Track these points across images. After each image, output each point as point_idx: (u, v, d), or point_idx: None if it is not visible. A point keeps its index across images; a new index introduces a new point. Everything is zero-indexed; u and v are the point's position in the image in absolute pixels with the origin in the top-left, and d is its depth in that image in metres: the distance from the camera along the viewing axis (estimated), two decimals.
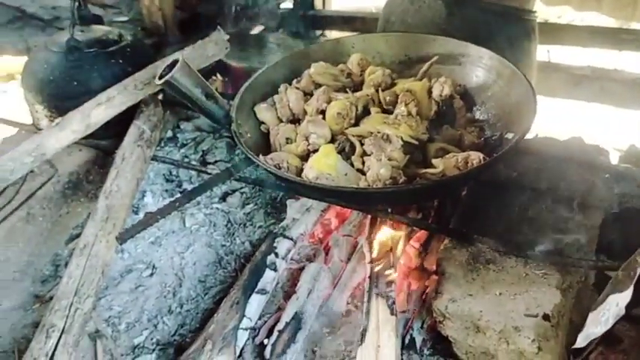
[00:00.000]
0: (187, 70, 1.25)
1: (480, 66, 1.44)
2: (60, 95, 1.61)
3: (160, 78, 1.25)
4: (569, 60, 2.94)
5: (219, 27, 1.79)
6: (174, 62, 1.25)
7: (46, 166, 1.62)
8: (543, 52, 2.75)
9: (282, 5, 3.12)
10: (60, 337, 1.18)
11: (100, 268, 1.30)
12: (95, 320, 1.34)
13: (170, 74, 1.22)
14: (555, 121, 2.90)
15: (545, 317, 1.04)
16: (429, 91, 1.36)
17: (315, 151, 1.26)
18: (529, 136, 1.25)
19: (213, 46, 1.75)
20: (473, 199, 1.36)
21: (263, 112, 1.42)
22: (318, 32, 3.19)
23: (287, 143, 1.33)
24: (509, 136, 1.25)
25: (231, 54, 1.94)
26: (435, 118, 1.35)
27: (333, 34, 3.19)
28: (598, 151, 1.54)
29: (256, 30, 2.90)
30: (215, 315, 1.30)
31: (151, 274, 1.48)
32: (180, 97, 1.27)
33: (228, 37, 1.77)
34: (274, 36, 2.72)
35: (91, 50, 1.63)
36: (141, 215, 1.57)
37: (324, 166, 1.19)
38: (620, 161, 1.94)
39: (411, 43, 1.56)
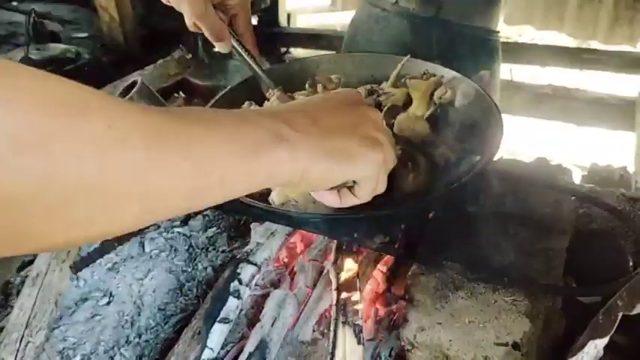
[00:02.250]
0: (147, 92, 1.21)
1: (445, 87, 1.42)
2: None
3: None
4: (531, 79, 2.99)
5: (181, 45, 1.75)
6: (133, 83, 1.20)
7: None
8: (506, 71, 2.79)
9: None
10: None
11: (53, 299, 1.24)
12: (48, 352, 1.28)
13: (128, 96, 1.18)
14: (518, 140, 2.94)
15: (515, 346, 1.02)
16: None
17: None
18: (494, 158, 1.24)
19: (175, 65, 1.71)
20: (440, 222, 1.33)
21: None
22: (283, 50, 3.18)
23: None
24: (476, 158, 1.24)
25: (194, 72, 1.90)
26: None
27: (297, 51, 3.19)
28: (562, 171, 1.55)
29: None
30: (175, 346, 1.24)
31: (108, 303, 1.42)
32: None
33: (190, 55, 1.73)
34: None
35: (47, 69, 1.57)
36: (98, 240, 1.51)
37: (292, 192, 1.15)
38: (583, 181, 1.96)
39: (377, 64, 1.54)
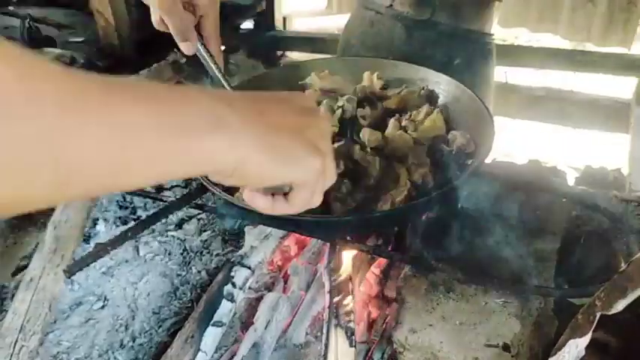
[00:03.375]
0: None
1: (438, 91, 1.43)
2: None
3: None
4: (525, 81, 2.99)
5: (176, 49, 1.75)
6: None
7: None
8: (500, 74, 2.80)
9: (243, 25, 3.11)
10: None
11: (47, 303, 1.24)
12: (42, 357, 1.28)
13: None
14: (513, 142, 2.95)
15: (505, 347, 1.03)
16: None
17: None
18: (487, 160, 1.24)
19: (170, 69, 1.72)
20: (432, 224, 1.34)
21: None
22: (279, 53, 3.18)
23: None
24: (468, 161, 1.24)
25: (190, 75, 1.91)
26: None
27: (293, 54, 3.19)
28: (555, 173, 1.55)
29: None
30: (169, 349, 1.25)
31: (103, 307, 1.43)
32: None
33: (185, 60, 1.74)
34: (234, 57, 2.70)
35: None
36: (92, 244, 1.51)
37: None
38: (577, 183, 1.97)
39: (370, 68, 1.55)
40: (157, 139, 0.47)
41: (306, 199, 0.66)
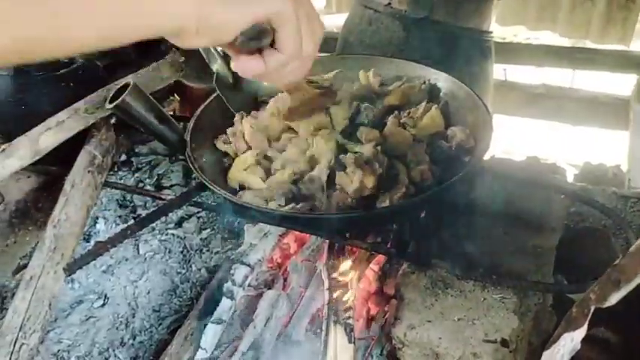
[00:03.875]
0: (139, 93, 1.22)
1: None
2: (6, 120, 1.55)
3: (111, 102, 1.21)
4: (524, 78, 3.00)
5: (174, 48, 1.76)
6: (126, 85, 1.21)
7: None
8: (500, 71, 2.80)
9: None
10: None
11: (47, 301, 1.24)
12: (43, 355, 1.29)
13: (120, 98, 1.19)
14: (512, 139, 2.95)
15: (504, 343, 1.03)
16: None
17: None
18: (485, 157, 1.25)
19: (168, 68, 1.72)
20: (431, 221, 1.34)
21: (224, 145, 1.37)
22: None
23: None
24: (466, 158, 1.25)
25: (189, 74, 1.91)
26: None
27: None
28: (554, 170, 1.56)
29: None
30: (169, 347, 1.25)
31: (103, 305, 1.43)
32: (132, 121, 1.24)
33: (183, 59, 1.74)
34: None
35: (40, 73, 1.57)
36: (92, 243, 1.52)
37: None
38: (576, 180, 1.97)
39: (369, 66, 1.55)
40: None
41: (295, 39, 0.61)
